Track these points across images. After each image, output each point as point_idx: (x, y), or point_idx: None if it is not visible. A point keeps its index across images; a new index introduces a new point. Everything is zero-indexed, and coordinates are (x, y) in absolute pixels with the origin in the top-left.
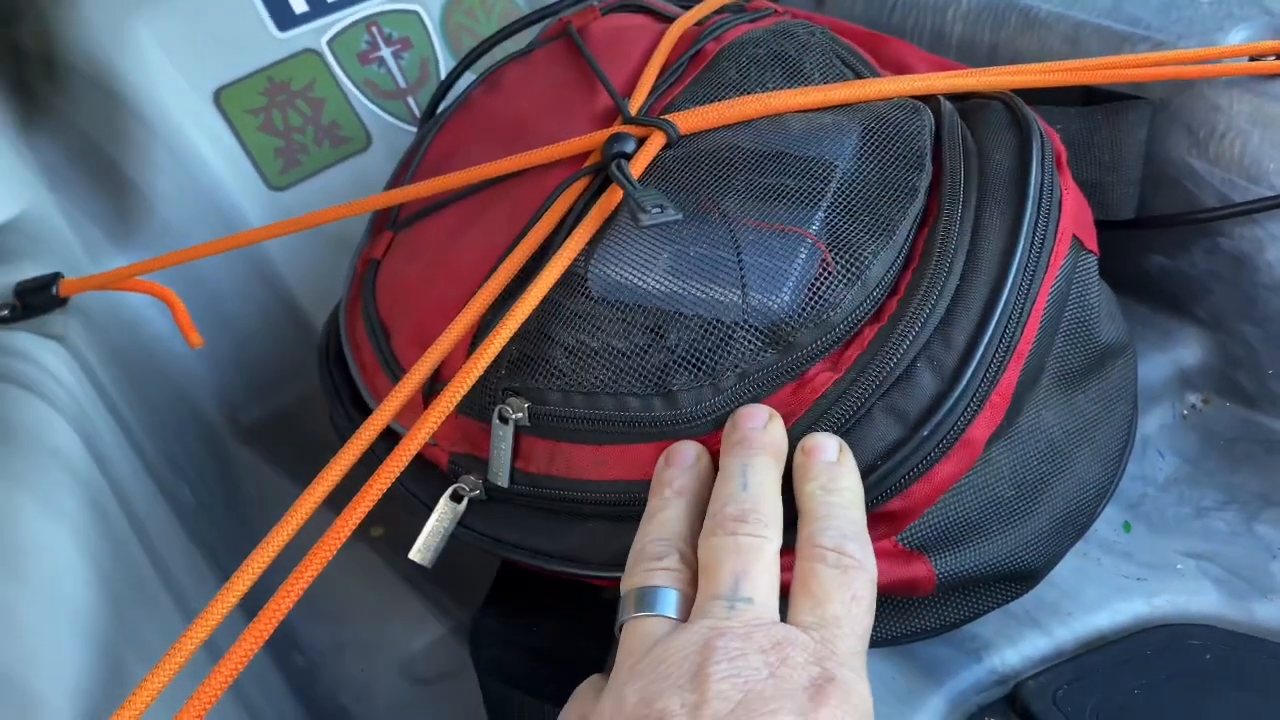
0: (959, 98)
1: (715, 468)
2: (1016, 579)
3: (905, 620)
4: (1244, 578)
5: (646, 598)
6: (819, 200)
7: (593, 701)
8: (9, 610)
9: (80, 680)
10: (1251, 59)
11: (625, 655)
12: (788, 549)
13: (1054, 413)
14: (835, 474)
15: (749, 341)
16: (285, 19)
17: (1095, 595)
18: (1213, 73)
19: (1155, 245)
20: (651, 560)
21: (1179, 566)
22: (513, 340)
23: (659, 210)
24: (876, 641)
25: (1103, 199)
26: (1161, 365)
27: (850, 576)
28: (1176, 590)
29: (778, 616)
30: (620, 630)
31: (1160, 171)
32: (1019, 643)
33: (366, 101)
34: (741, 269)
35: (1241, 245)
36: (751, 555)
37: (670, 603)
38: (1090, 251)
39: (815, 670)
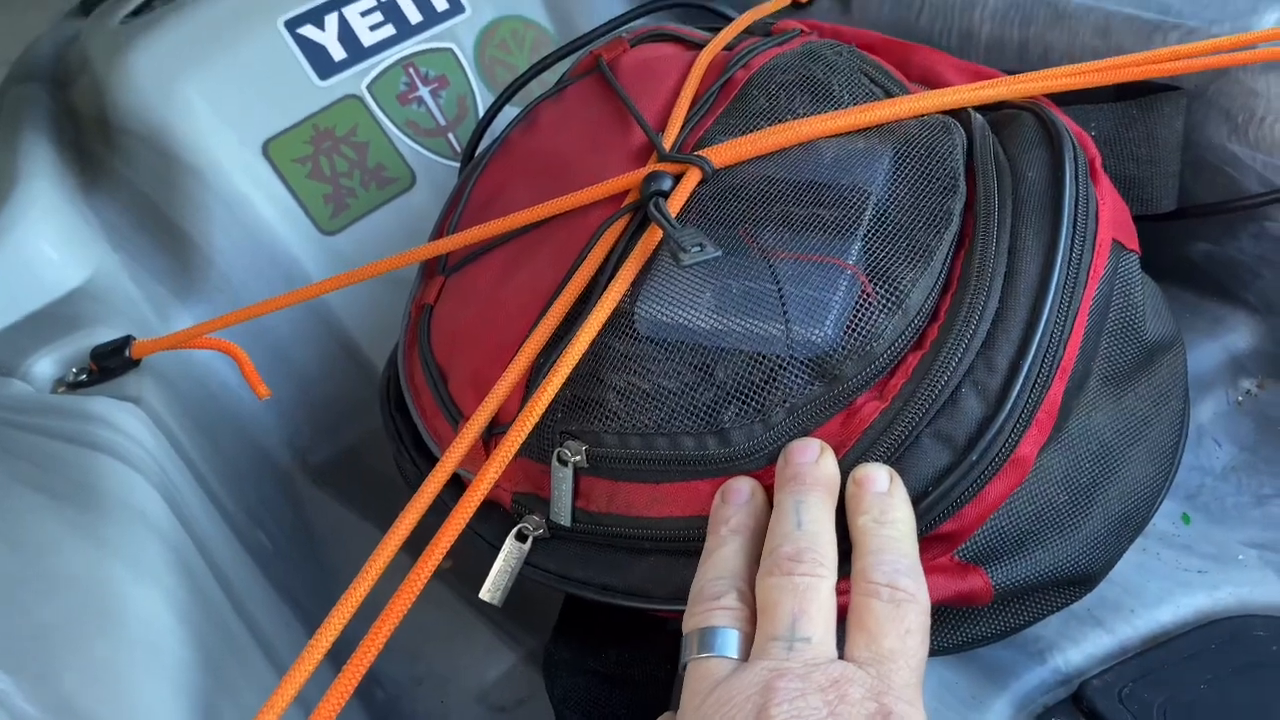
0: (990, 107)
1: (770, 502)
2: (1074, 583)
3: (966, 629)
4: None
5: (708, 639)
6: (855, 229)
7: None
8: (113, 672)
9: None
10: None
11: (690, 696)
12: (844, 577)
13: (1104, 414)
14: (887, 505)
15: (796, 375)
16: (325, 67)
17: (1157, 590)
18: (1249, 59)
19: (1200, 233)
20: (711, 600)
21: (1240, 557)
22: (566, 383)
23: (699, 249)
24: (938, 651)
25: (1142, 194)
26: (1213, 352)
27: (903, 611)
28: (1239, 581)
29: (835, 653)
30: (684, 670)
31: (1200, 159)
32: (1082, 642)
33: (409, 141)
34: (783, 303)
35: None
36: (808, 595)
37: (731, 643)
38: (1131, 251)
39: (872, 706)
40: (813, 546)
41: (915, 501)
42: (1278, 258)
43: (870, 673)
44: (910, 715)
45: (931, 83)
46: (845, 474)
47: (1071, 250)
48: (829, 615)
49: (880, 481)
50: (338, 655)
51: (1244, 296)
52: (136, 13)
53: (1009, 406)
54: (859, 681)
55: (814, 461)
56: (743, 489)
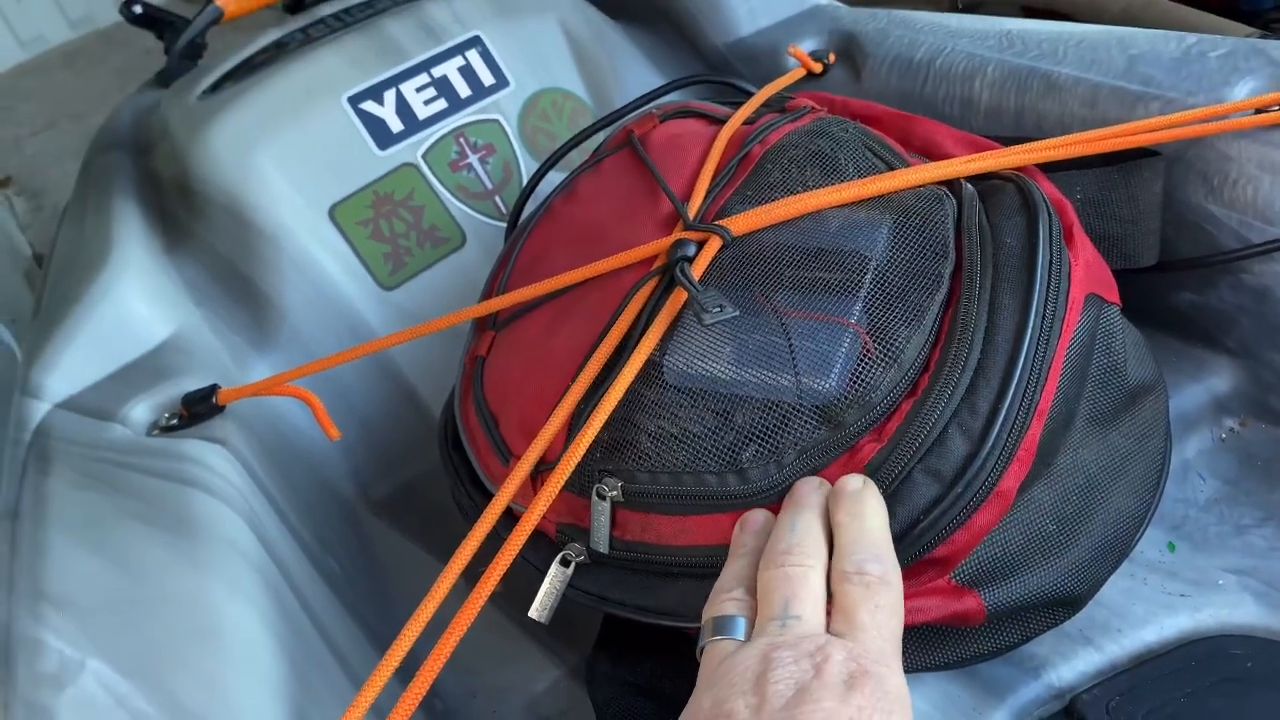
0: (979, 177)
1: None
2: (1062, 605)
3: (963, 646)
4: None
5: (719, 624)
6: (857, 291)
7: None
8: (218, 683)
9: None
10: (1257, 111)
11: (705, 671)
12: None
13: (1090, 451)
14: (857, 501)
15: (805, 420)
16: (384, 139)
17: (1143, 612)
18: (1221, 129)
19: (1183, 284)
20: (723, 594)
21: (1220, 582)
22: (604, 427)
23: (719, 309)
24: (939, 666)
25: (1126, 250)
26: (1197, 394)
27: (872, 591)
28: (1218, 604)
29: (823, 629)
30: (700, 654)
31: (1181, 217)
32: (1074, 659)
33: (459, 204)
34: (794, 357)
35: (1263, 280)
36: (798, 581)
37: (738, 627)
38: (1112, 304)
39: (852, 666)
40: (802, 543)
41: (909, 529)
42: (1253, 306)
43: (848, 641)
44: (885, 676)
45: (931, 153)
46: None
47: (1045, 307)
48: (818, 598)
49: (853, 484)
50: (402, 669)
51: (1225, 342)
52: (213, 89)
53: (990, 444)
54: (840, 647)
55: (814, 492)
56: (758, 519)
